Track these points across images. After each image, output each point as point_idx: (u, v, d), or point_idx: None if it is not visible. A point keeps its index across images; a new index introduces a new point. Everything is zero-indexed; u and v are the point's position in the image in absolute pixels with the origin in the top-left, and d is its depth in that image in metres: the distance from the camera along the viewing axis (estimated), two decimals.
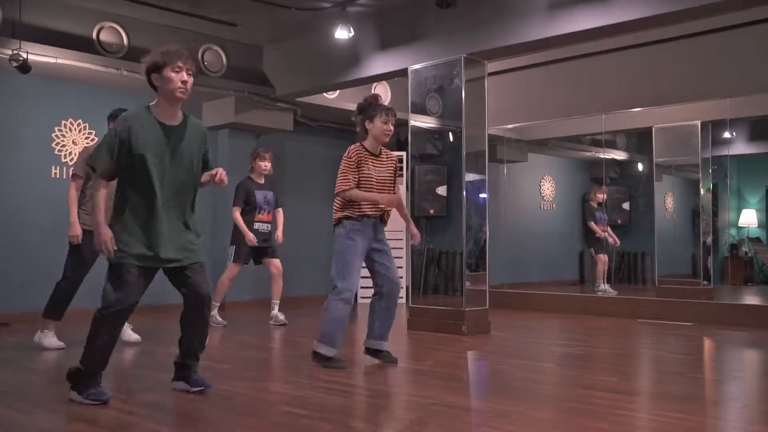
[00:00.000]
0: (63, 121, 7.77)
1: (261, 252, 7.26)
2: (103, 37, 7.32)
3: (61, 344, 5.57)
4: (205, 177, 3.88)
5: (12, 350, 5.52)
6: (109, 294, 3.64)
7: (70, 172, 5.66)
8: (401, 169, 9.76)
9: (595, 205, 9.92)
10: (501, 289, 9.26)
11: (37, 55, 6.75)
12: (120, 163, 3.66)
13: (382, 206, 4.79)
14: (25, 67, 6.56)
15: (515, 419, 3.31)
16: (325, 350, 4.64)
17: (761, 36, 7.51)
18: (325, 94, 8.90)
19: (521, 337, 6.57)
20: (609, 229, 9.94)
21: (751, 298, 9.45)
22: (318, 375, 4.39)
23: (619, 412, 3.44)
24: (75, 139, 7.83)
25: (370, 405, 3.80)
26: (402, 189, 9.37)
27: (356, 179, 4.70)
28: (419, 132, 7.28)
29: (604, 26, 5.93)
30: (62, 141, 7.75)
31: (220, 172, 3.78)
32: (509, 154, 10.37)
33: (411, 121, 7.08)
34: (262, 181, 7.25)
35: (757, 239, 11.37)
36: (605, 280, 9.66)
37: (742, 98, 8.04)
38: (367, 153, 4.79)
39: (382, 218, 4.86)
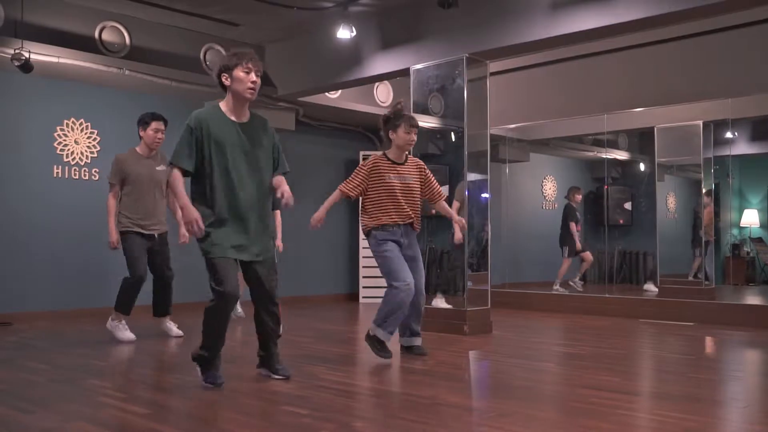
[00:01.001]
0: (65, 121, 7.77)
1: None
2: (105, 36, 7.33)
3: (132, 337, 5.84)
4: (276, 181, 4.07)
5: (13, 349, 5.53)
6: (212, 287, 3.83)
7: (109, 182, 5.90)
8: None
9: (575, 205, 10.02)
10: (503, 288, 9.26)
11: (39, 54, 6.76)
12: (198, 158, 3.85)
13: (411, 214, 4.93)
14: (27, 66, 6.57)
15: (517, 419, 3.31)
16: (380, 334, 4.86)
17: (763, 36, 7.51)
18: (327, 93, 8.90)
19: (523, 337, 6.56)
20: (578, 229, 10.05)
21: (752, 299, 9.44)
22: (319, 375, 4.40)
23: (620, 412, 3.44)
24: (77, 139, 7.84)
25: (372, 405, 3.80)
26: None
27: (360, 189, 4.91)
28: (421, 132, 7.17)
29: (606, 26, 5.93)
30: (64, 140, 7.75)
31: (287, 197, 3.94)
32: (511, 154, 10.36)
33: None
34: None
35: (759, 239, 11.35)
36: (561, 281, 9.78)
37: (744, 98, 8.04)
38: (388, 162, 4.93)
39: (413, 225, 4.97)
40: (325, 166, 10.29)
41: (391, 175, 4.88)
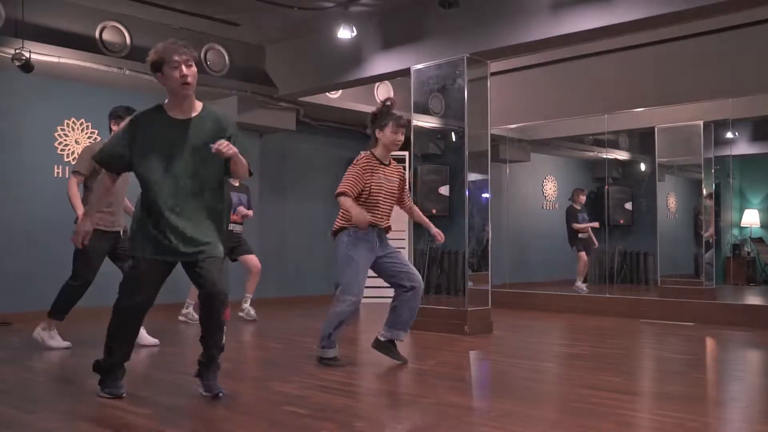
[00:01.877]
0: (65, 121, 7.77)
1: (231, 250, 7.19)
2: (106, 36, 7.33)
3: (67, 343, 5.49)
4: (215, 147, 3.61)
5: (13, 349, 5.53)
6: (122, 290, 3.64)
7: (73, 170, 5.52)
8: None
9: (578, 206, 10.03)
10: (503, 288, 9.25)
11: (40, 54, 6.76)
12: (127, 158, 3.62)
13: (388, 218, 4.76)
14: (27, 66, 6.57)
15: (517, 419, 3.30)
16: (321, 353, 4.69)
17: (764, 36, 7.51)
18: (327, 93, 8.90)
19: (523, 337, 6.56)
20: (590, 229, 10.03)
21: (753, 299, 9.43)
22: (320, 375, 4.39)
23: (621, 412, 3.43)
24: (77, 139, 7.84)
25: (372, 405, 3.80)
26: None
27: (359, 188, 4.62)
28: (422, 132, 7.28)
29: (606, 26, 5.93)
30: (65, 140, 7.76)
31: (217, 145, 3.51)
32: (512, 154, 10.36)
33: (413, 121, 7.08)
34: (236, 183, 7.24)
35: (760, 239, 11.35)
36: (584, 278, 9.74)
37: (745, 98, 8.04)
38: (376, 161, 4.73)
39: (385, 229, 4.82)
40: (325, 166, 10.29)
41: (380, 175, 4.72)
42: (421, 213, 5.05)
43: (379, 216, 4.70)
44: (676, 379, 4.51)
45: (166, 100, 3.69)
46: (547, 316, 8.14)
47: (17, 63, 6.53)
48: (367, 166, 4.67)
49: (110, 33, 7.36)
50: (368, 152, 4.79)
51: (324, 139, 10.23)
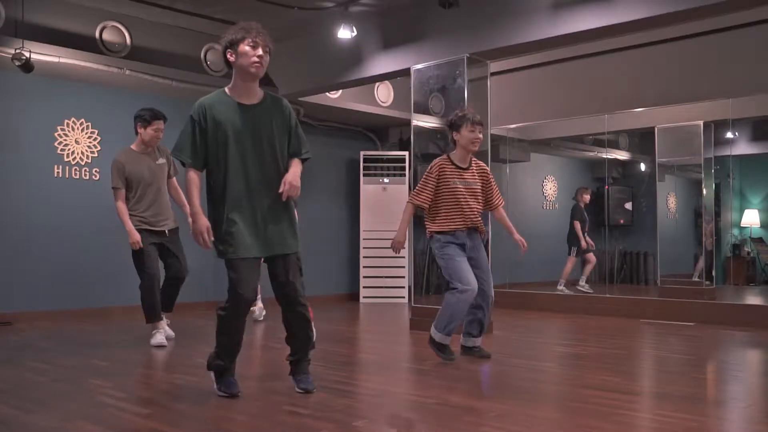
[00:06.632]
0: (65, 120, 7.77)
1: None
2: (106, 36, 7.33)
3: (163, 342, 5.58)
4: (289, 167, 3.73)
5: (14, 349, 5.53)
6: (229, 289, 3.62)
7: (112, 187, 5.61)
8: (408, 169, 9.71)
9: (582, 205, 9.97)
10: (503, 288, 9.25)
11: (40, 54, 6.77)
12: (206, 149, 3.60)
13: (474, 219, 4.89)
14: (27, 66, 6.57)
15: (517, 419, 3.30)
16: (438, 337, 4.89)
17: (764, 36, 7.51)
18: (327, 93, 8.90)
19: (523, 337, 6.56)
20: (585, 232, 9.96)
21: (753, 299, 9.44)
22: (320, 375, 4.39)
23: (621, 412, 3.43)
24: (77, 139, 7.84)
25: (373, 404, 3.80)
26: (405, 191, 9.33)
27: (431, 195, 4.84)
28: (422, 131, 7.29)
29: (607, 26, 5.93)
30: (65, 140, 7.75)
31: (287, 187, 3.60)
32: (512, 154, 10.37)
33: (413, 121, 7.10)
34: None
35: (760, 239, 11.36)
36: (566, 281, 9.67)
37: (745, 98, 8.04)
38: (453, 166, 4.86)
39: (477, 229, 4.94)
40: (326, 166, 10.29)
41: (456, 180, 4.83)
42: (505, 216, 5.19)
43: (466, 220, 4.85)
44: (676, 379, 4.50)
45: (228, 86, 3.76)
46: (547, 316, 8.15)
47: (17, 63, 6.53)
48: (442, 173, 4.84)
49: (110, 33, 7.36)
50: (445, 156, 4.93)
51: (324, 139, 10.23)
